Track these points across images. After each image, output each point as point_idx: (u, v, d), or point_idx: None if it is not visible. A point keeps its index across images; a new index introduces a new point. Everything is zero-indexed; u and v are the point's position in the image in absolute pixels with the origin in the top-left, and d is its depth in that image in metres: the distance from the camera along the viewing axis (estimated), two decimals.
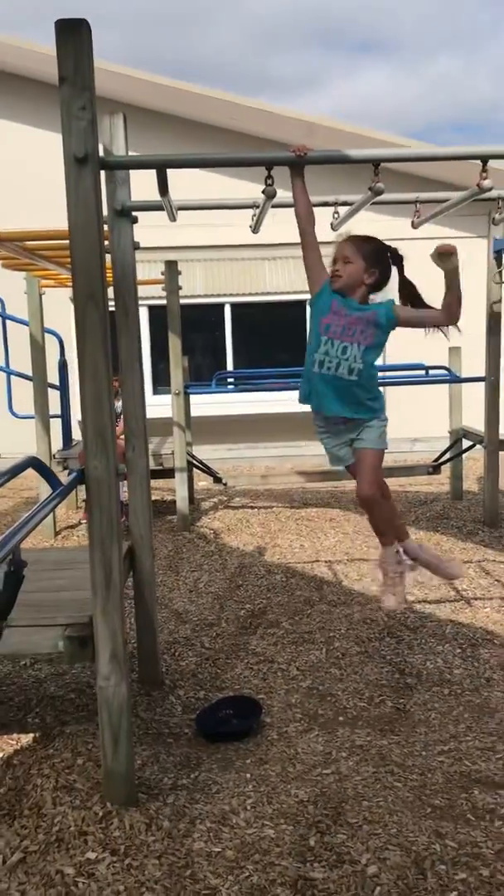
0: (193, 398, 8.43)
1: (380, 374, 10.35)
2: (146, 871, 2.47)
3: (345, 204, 3.56)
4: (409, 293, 3.09)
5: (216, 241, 10.23)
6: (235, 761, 3.20)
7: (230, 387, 9.57)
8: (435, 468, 7.91)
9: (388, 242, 3.07)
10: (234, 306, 10.96)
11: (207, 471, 7.62)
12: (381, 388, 3.32)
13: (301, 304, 11.04)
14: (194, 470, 7.77)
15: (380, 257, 3.02)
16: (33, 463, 2.76)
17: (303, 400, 3.22)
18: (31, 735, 3.34)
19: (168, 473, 7.28)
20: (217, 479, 7.59)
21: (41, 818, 2.72)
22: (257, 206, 3.58)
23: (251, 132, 10.59)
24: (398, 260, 3.04)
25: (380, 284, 3.08)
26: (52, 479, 2.79)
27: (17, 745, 3.25)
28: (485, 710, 3.58)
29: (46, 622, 2.84)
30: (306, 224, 2.95)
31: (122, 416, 3.70)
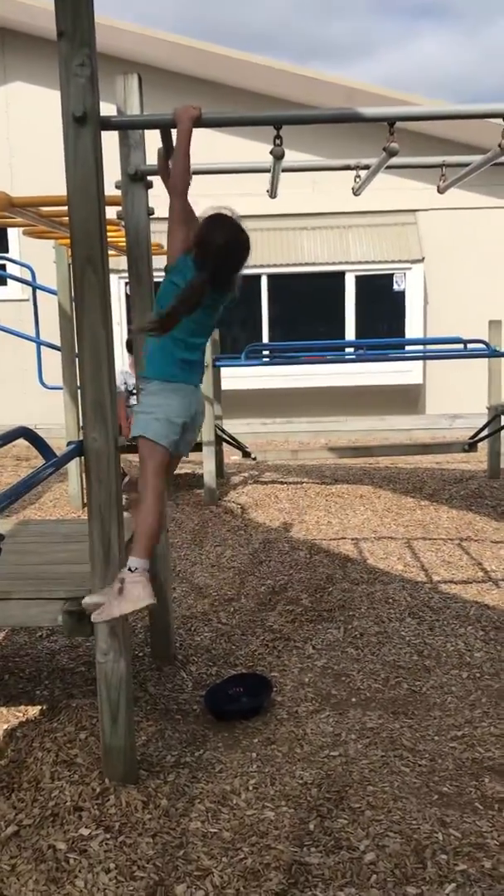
0: (226, 371, 8.34)
1: (417, 347, 10.27)
2: (139, 850, 2.43)
3: (366, 168, 3.40)
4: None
5: (252, 210, 10.06)
6: (242, 740, 3.14)
7: (262, 360, 9.44)
8: (471, 445, 7.74)
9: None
10: (271, 277, 10.81)
11: (237, 445, 7.54)
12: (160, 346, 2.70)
13: (340, 274, 10.85)
14: (225, 444, 7.70)
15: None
16: (24, 433, 2.71)
17: None
18: (38, 707, 3.32)
19: (197, 447, 7.21)
20: (246, 454, 7.51)
21: (38, 792, 2.70)
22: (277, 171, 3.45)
23: (290, 98, 10.37)
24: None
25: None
26: (44, 449, 2.73)
27: (22, 718, 3.24)
28: None
29: (47, 595, 2.80)
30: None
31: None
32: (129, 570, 2.58)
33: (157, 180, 3.47)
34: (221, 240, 2.66)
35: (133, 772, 2.77)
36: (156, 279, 3.55)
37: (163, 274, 2.76)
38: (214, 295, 2.72)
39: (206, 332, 2.83)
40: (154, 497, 2.65)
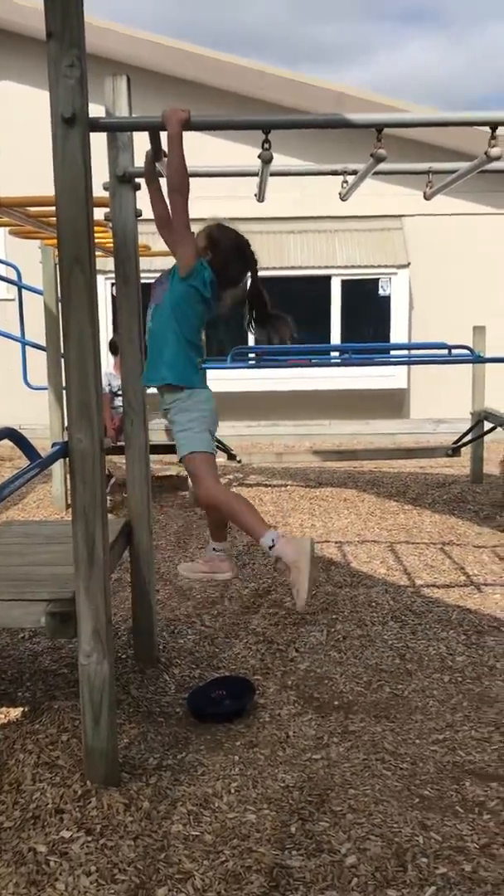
0: (212, 374, 8.32)
1: (401, 352, 10.33)
2: (120, 852, 2.42)
3: (353, 173, 3.42)
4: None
5: (239, 213, 10.07)
6: (224, 743, 3.14)
7: (247, 363, 9.45)
8: (455, 450, 7.78)
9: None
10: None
11: (222, 447, 7.54)
12: (190, 355, 3.04)
13: (326, 279, 10.89)
14: None
15: None
16: (9, 433, 2.70)
17: None
18: (20, 709, 3.31)
19: None
20: (231, 457, 7.51)
21: (19, 794, 2.69)
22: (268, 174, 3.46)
23: (279, 102, 10.41)
24: None
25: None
26: (29, 450, 2.72)
27: (4, 720, 3.22)
28: (485, 700, 3.49)
29: (30, 597, 2.78)
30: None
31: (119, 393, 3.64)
32: (268, 548, 2.89)
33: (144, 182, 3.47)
34: (231, 240, 3.03)
35: (115, 774, 2.76)
36: (143, 281, 3.56)
37: (150, 276, 2.80)
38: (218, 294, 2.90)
39: (200, 331, 3.12)
40: (227, 498, 3.01)
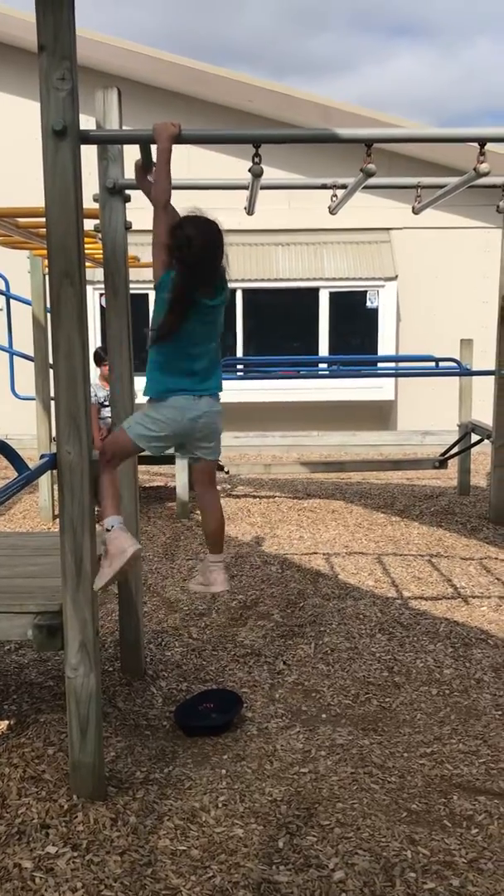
0: None
1: (389, 364, 10.36)
2: (107, 868, 2.40)
3: (343, 187, 3.43)
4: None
5: (228, 224, 10.10)
6: (212, 756, 3.13)
7: (236, 374, 9.47)
8: (442, 462, 7.80)
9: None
10: (246, 292, 10.85)
11: None
12: (158, 363, 2.83)
13: (315, 290, 10.93)
14: None
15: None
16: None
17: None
18: (6, 723, 3.28)
19: (170, 459, 7.19)
20: (219, 467, 7.50)
21: (5, 809, 2.66)
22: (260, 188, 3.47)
23: (268, 115, 10.47)
24: None
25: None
26: (17, 462, 2.71)
27: None
28: (472, 713, 3.49)
29: (17, 609, 2.76)
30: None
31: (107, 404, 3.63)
32: (106, 529, 2.82)
33: (135, 194, 3.48)
34: (192, 232, 2.71)
35: (101, 788, 2.74)
36: (132, 291, 3.56)
37: (139, 286, 2.80)
38: (204, 298, 2.75)
39: (207, 339, 2.85)
40: (106, 473, 2.89)
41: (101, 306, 9.40)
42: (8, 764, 2.90)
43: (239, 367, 9.75)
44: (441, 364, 7.88)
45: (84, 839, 2.52)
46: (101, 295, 9.32)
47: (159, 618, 4.61)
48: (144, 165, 2.93)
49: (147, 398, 2.89)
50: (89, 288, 9.22)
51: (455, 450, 7.79)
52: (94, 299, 9.96)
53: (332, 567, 5.60)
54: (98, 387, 6.91)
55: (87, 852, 2.46)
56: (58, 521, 2.68)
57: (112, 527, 2.80)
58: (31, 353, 7.06)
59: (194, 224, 2.75)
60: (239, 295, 10.83)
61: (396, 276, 10.84)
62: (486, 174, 2.69)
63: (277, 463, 8.98)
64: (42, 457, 3.53)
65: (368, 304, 11.03)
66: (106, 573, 2.73)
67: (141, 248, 4.71)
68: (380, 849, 2.50)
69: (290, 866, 2.43)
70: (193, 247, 2.70)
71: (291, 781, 2.91)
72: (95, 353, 7.16)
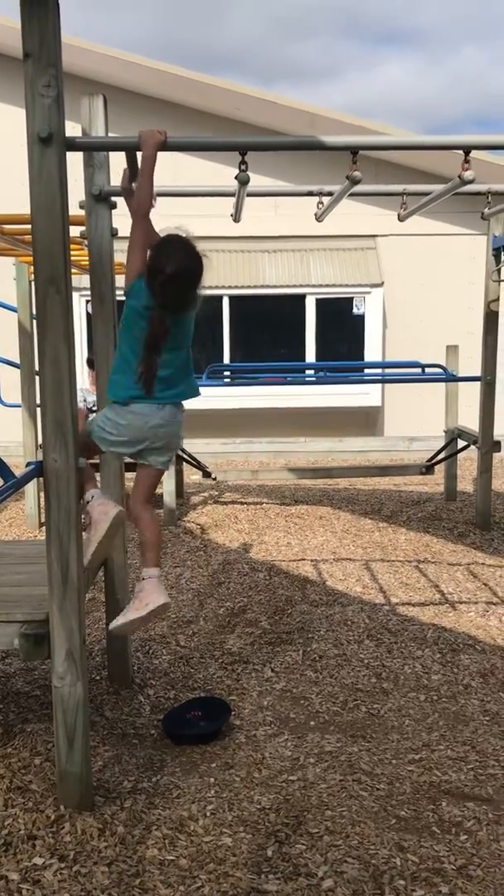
0: None
1: (376, 371, 10.40)
2: (94, 879, 2.38)
3: (329, 194, 3.44)
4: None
5: (214, 231, 10.10)
6: (200, 765, 3.11)
7: (223, 380, 9.46)
8: (428, 468, 7.82)
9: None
10: (233, 299, 10.85)
11: (197, 465, 7.52)
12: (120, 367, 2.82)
13: (301, 297, 10.95)
14: (186, 464, 7.68)
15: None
16: None
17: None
18: None
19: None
20: (206, 474, 7.49)
21: None
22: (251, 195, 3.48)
23: (255, 122, 10.50)
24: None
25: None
26: (3, 470, 2.70)
27: None
28: (460, 719, 3.49)
29: (3, 618, 2.74)
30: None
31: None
32: (86, 501, 2.86)
33: (121, 201, 3.47)
34: (171, 269, 2.66)
35: (89, 798, 2.72)
36: (118, 298, 3.55)
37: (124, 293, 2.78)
38: (175, 318, 2.74)
39: (175, 347, 2.81)
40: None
41: (88, 313, 9.37)
42: None
43: (226, 373, 9.75)
44: (427, 370, 7.90)
45: (71, 850, 2.50)
46: (87, 302, 9.30)
47: (146, 626, 4.58)
48: (131, 173, 2.93)
49: (111, 400, 2.86)
50: (75, 295, 9.19)
51: (442, 455, 7.81)
52: (80, 306, 9.94)
53: (320, 573, 5.59)
54: (88, 392, 6.90)
55: (75, 863, 2.44)
56: (44, 529, 2.67)
57: (92, 497, 2.86)
58: (17, 360, 7.03)
59: (172, 254, 2.69)
60: (225, 302, 10.84)
61: (383, 283, 10.88)
62: (470, 181, 2.70)
63: (265, 469, 8.99)
64: (28, 464, 3.50)
65: (355, 310, 11.06)
66: (93, 539, 2.79)
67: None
68: (369, 856, 2.50)
69: (279, 875, 2.42)
70: (169, 281, 2.65)
71: (280, 789, 2.90)
72: (89, 359, 7.15)
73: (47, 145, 2.45)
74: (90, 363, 6.89)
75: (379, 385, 10.68)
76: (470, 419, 7.63)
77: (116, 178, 3.44)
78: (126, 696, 3.67)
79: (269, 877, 2.41)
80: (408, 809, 2.79)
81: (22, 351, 6.77)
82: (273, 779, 2.98)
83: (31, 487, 6.73)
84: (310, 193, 3.47)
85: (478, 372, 6.89)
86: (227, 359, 10.98)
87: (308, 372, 10.40)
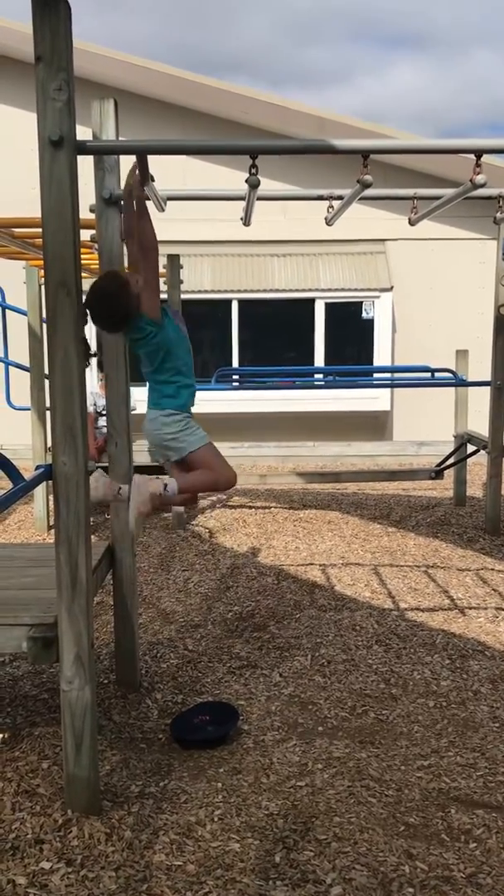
0: (196, 395, 8.32)
1: (385, 375, 10.38)
2: (101, 884, 2.38)
3: (339, 198, 3.44)
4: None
5: (225, 236, 10.14)
6: (208, 770, 3.10)
7: (231, 384, 9.46)
8: (437, 473, 7.80)
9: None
10: (242, 302, 10.86)
11: None
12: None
13: (310, 301, 10.95)
14: None
15: None
16: None
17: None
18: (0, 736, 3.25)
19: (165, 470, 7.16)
20: None
21: None
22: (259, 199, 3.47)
23: (263, 126, 10.50)
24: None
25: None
26: (13, 473, 2.70)
27: None
28: (469, 725, 3.47)
29: (11, 621, 2.74)
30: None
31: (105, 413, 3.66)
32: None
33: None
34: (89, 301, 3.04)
35: (96, 802, 2.72)
36: None
37: None
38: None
39: (146, 364, 3.36)
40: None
41: None
42: (2, 778, 2.87)
43: (234, 377, 9.76)
44: (437, 375, 7.89)
45: (79, 854, 2.49)
46: None
47: (154, 629, 4.58)
48: (142, 177, 2.93)
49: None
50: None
51: (451, 460, 7.79)
52: None
53: (329, 578, 5.58)
54: (98, 395, 6.91)
55: (82, 868, 2.44)
56: (53, 531, 2.67)
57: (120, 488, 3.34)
58: (27, 363, 7.05)
59: (92, 290, 3.08)
60: (234, 305, 10.85)
61: (392, 287, 10.86)
62: (482, 185, 2.70)
63: (273, 473, 8.97)
64: (38, 467, 3.51)
65: (364, 314, 11.05)
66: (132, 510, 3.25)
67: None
68: (377, 863, 2.48)
69: (286, 881, 2.41)
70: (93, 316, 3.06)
71: (288, 795, 2.89)
72: (100, 362, 7.15)
73: (58, 149, 2.45)
74: (100, 366, 6.89)
75: (388, 389, 10.66)
76: (479, 424, 7.61)
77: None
78: (134, 699, 3.67)
79: (276, 883, 2.40)
80: (416, 816, 2.77)
81: (32, 354, 6.79)
82: (281, 784, 2.97)
83: (40, 490, 6.74)
84: (320, 197, 3.46)
85: (488, 376, 6.86)
86: (235, 363, 10.99)
87: (317, 376, 10.40)
